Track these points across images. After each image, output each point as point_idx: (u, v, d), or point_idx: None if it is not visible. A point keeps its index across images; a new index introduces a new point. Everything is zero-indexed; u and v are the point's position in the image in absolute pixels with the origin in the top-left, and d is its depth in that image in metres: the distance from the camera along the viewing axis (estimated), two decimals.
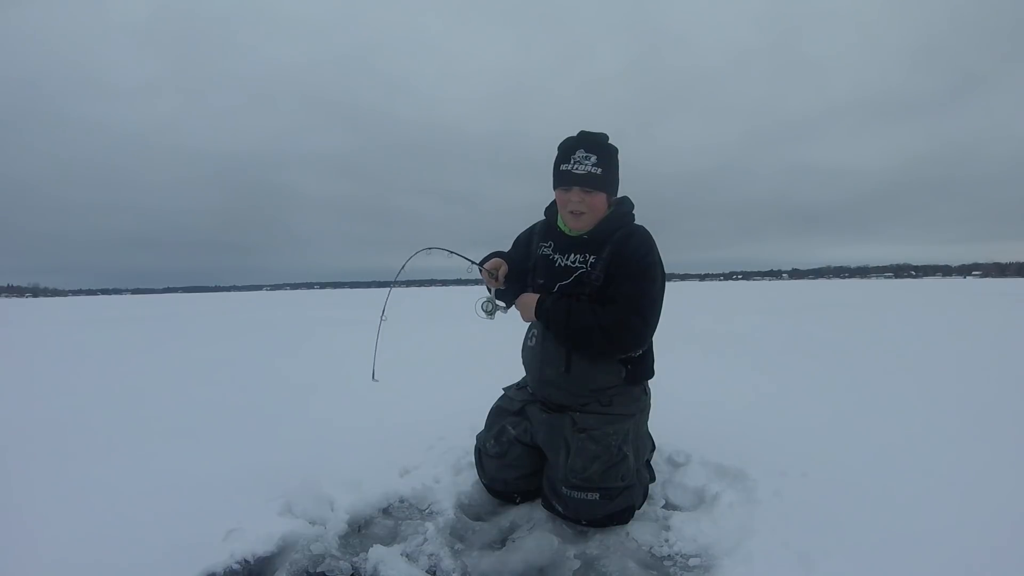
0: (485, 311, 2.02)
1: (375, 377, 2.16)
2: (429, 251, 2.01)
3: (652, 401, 2.06)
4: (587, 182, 1.83)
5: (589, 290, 1.86)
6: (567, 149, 1.88)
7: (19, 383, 4.51)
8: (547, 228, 2.05)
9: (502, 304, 2.05)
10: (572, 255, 1.92)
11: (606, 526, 1.87)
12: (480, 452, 2.13)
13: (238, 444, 2.67)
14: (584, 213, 1.87)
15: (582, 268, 1.89)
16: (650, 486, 2.09)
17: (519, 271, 2.06)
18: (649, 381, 2.04)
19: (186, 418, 3.21)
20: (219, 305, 23.60)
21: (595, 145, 1.86)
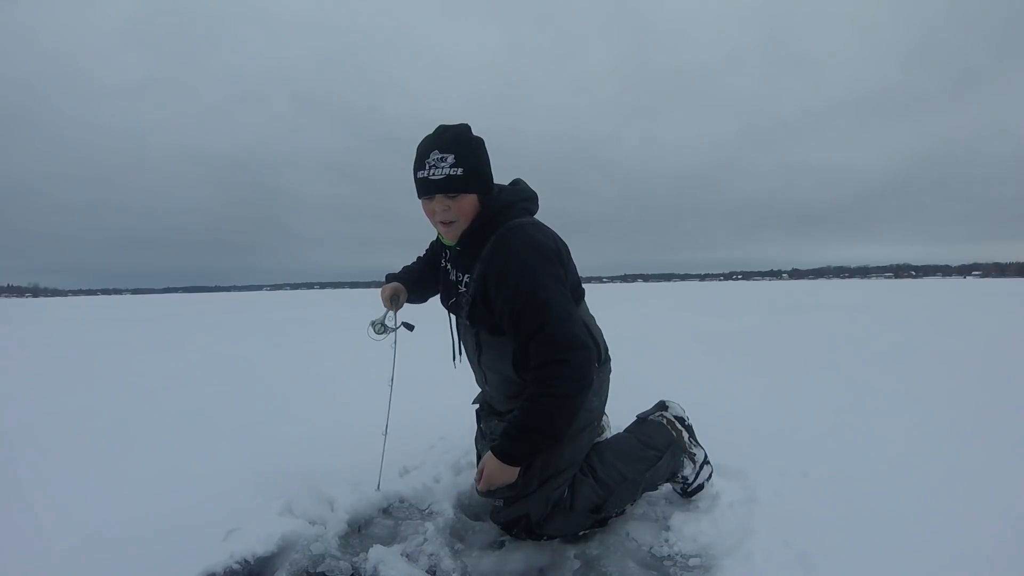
0: (376, 331, 2.00)
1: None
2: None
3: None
4: (448, 187, 1.57)
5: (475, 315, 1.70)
6: (421, 151, 1.61)
7: (25, 382, 4.51)
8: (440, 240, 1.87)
9: (393, 327, 2.02)
10: (456, 270, 1.78)
11: (512, 533, 1.81)
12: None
13: (238, 444, 2.67)
14: (455, 221, 1.63)
15: (463, 289, 1.73)
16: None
17: (429, 280, 2.02)
18: (610, 375, 1.87)
19: (186, 418, 3.21)
20: (220, 305, 23.59)
21: (450, 142, 1.59)
